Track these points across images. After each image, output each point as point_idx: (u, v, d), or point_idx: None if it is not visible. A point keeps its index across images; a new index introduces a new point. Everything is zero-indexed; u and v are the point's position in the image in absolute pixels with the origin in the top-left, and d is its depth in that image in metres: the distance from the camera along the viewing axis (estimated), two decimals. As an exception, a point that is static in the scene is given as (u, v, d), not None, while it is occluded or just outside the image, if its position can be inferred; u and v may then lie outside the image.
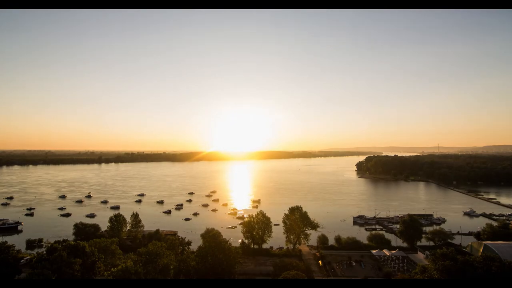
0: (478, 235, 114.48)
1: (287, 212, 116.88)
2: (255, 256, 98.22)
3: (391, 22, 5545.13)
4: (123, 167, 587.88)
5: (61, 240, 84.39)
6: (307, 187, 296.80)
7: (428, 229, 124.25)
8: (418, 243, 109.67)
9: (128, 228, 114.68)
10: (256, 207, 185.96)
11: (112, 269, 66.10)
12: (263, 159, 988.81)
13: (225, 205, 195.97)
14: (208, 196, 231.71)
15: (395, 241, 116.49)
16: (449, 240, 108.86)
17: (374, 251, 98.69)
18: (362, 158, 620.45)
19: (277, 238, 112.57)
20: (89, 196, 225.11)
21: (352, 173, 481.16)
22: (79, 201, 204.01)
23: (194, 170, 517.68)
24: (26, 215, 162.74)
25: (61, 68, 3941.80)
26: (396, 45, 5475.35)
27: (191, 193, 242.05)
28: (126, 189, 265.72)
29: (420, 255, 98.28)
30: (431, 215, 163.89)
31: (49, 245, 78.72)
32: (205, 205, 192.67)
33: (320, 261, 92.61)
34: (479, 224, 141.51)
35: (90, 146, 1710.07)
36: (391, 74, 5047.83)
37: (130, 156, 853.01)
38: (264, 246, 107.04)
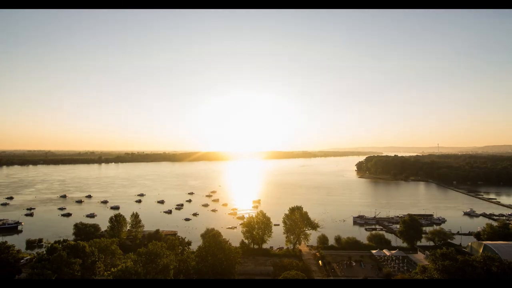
0: (478, 235, 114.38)
1: (287, 212, 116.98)
2: (255, 256, 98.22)
3: (391, 21, 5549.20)
4: (123, 167, 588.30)
5: (61, 240, 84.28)
6: (307, 187, 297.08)
7: (428, 229, 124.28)
8: (418, 243, 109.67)
9: (128, 228, 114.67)
10: (256, 207, 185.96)
11: (112, 269, 66.09)
12: (263, 159, 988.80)
13: (225, 205, 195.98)
14: (208, 196, 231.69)
15: (395, 241, 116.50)
16: (449, 240, 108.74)
17: (374, 251, 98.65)
18: (362, 158, 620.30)
19: (277, 238, 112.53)
20: (89, 196, 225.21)
21: (352, 173, 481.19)
22: (79, 201, 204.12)
23: (194, 170, 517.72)
24: (26, 215, 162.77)
25: (60, 68, 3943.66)
26: (396, 45, 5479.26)
27: (191, 193, 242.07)
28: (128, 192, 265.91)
29: (420, 255, 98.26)
30: (431, 215, 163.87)
31: (49, 245, 78.77)
32: (205, 205, 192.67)
33: (320, 261, 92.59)
34: (479, 224, 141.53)
35: (90, 146, 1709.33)
36: (391, 74, 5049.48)
37: (130, 156, 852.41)
38: (264, 246, 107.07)
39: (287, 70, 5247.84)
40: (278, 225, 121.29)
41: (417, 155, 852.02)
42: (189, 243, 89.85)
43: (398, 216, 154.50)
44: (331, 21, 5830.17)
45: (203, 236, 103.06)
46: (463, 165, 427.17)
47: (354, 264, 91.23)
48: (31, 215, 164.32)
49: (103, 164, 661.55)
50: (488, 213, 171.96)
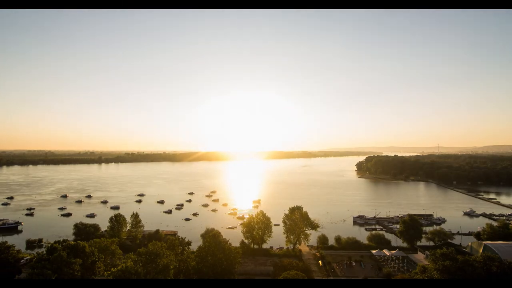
0: (478, 235, 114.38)
1: (287, 212, 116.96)
2: (255, 256, 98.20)
3: (391, 21, 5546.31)
4: (123, 167, 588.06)
5: (61, 240, 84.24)
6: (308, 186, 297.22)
7: (428, 229, 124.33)
8: (418, 243, 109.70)
9: (128, 228, 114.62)
10: (257, 207, 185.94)
11: (112, 269, 66.06)
12: (263, 159, 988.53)
13: (225, 205, 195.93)
14: (208, 196, 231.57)
15: (395, 241, 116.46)
16: (449, 240, 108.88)
17: (374, 251, 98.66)
18: (362, 158, 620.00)
19: (277, 238, 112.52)
20: (89, 196, 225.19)
21: (352, 173, 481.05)
22: (79, 201, 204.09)
23: (197, 170, 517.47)
24: (26, 215, 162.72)
25: (60, 68, 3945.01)
26: (396, 45, 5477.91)
27: (191, 193, 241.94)
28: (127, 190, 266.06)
29: (420, 255, 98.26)
30: (431, 215, 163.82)
31: (49, 245, 78.69)
32: (205, 205, 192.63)
33: (320, 261, 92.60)
34: (479, 224, 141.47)
35: (90, 146, 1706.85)
36: (391, 74, 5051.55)
37: (130, 156, 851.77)
38: (264, 246, 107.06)
39: (287, 70, 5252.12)
40: (278, 225, 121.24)
41: (417, 155, 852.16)
42: (189, 243, 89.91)
43: (398, 216, 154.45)
44: (331, 21, 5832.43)
45: (203, 236, 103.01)
46: (463, 165, 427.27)
47: (354, 264, 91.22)
48: (31, 215, 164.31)
49: (103, 164, 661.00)
50: (488, 213, 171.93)
